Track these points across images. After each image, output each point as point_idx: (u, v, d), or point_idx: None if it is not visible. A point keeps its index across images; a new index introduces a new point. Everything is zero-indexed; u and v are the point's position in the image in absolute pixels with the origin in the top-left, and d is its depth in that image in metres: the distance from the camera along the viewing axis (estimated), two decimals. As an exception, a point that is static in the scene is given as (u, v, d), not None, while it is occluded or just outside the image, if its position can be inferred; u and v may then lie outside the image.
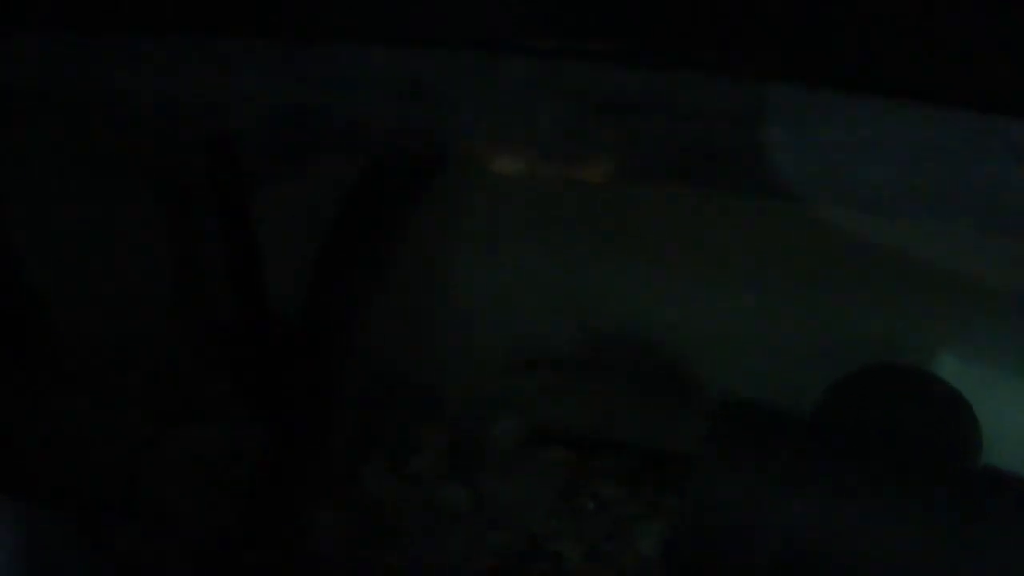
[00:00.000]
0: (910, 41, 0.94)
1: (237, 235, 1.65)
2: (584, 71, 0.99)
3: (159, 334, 1.73)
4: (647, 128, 1.01)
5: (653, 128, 1.01)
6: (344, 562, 1.71)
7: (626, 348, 1.82)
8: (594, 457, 1.79)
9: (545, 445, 1.80)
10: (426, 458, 1.80)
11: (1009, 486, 1.36)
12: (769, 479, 1.34)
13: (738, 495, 1.35)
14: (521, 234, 1.83)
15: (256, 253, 1.66)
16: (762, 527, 1.31)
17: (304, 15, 1.03)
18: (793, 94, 0.97)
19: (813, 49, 0.96)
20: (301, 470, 1.75)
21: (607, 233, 1.76)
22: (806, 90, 0.96)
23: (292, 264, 1.71)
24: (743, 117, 0.98)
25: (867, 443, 1.37)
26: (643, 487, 1.73)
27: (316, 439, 1.76)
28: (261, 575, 1.60)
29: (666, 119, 1.00)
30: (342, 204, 1.62)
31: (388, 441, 1.81)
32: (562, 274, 1.81)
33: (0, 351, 1.73)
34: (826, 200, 1.01)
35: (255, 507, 1.70)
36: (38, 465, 1.67)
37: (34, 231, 1.69)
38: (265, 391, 1.78)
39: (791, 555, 1.30)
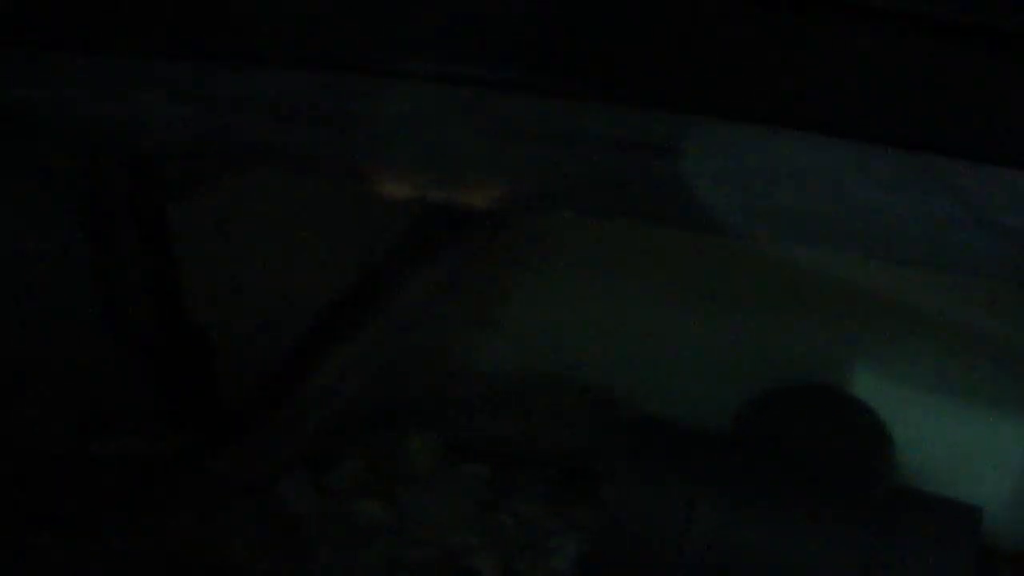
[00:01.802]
0: (818, 77, 0.96)
1: (156, 250, 1.65)
2: (497, 99, 0.99)
3: (79, 347, 1.72)
4: (559, 156, 1.02)
5: (565, 156, 1.02)
6: (260, 575, 1.70)
7: (546, 371, 1.83)
8: (512, 472, 1.79)
9: (464, 460, 1.80)
10: (345, 472, 1.80)
11: (919, 504, 1.38)
12: (683, 495, 1.36)
13: (652, 511, 1.36)
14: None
15: (175, 267, 1.66)
16: (675, 542, 1.32)
17: (218, 40, 1.03)
18: (705, 125, 0.99)
19: (725, 82, 0.97)
20: (219, 482, 1.74)
21: (528, 259, 1.76)
22: (718, 121, 0.97)
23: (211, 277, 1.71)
24: (656, 147, 0.99)
25: (781, 460, 1.38)
26: (560, 503, 1.74)
27: (234, 451, 1.76)
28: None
29: (579, 148, 1.01)
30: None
31: (307, 455, 1.81)
32: (483, 297, 1.81)
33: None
34: (740, 227, 1.02)
35: (173, 517, 1.70)
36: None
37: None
38: (185, 403, 1.77)
39: (704, 569, 1.31)
